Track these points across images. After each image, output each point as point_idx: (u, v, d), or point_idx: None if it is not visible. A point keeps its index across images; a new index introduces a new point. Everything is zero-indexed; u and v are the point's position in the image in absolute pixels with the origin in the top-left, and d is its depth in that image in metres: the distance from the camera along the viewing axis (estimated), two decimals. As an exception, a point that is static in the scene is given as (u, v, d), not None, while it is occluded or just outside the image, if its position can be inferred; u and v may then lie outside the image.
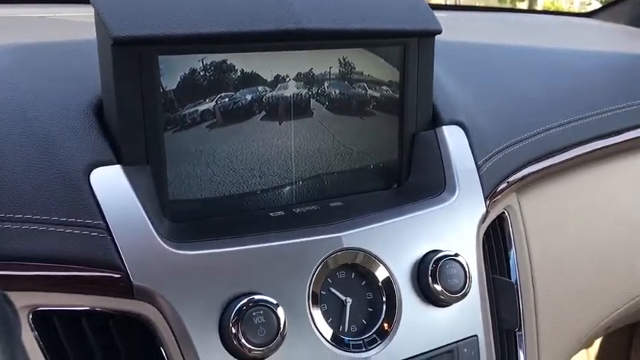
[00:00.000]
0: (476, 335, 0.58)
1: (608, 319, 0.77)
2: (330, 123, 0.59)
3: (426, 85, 0.63)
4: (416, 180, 0.64)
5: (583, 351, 1.48)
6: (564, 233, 0.74)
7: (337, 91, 0.59)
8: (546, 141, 0.71)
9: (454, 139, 0.64)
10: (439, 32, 0.61)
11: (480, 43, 0.88)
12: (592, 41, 1.04)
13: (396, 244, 0.56)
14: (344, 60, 0.59)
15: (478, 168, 0.63)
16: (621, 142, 0.78)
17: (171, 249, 0.48)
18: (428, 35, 0.62)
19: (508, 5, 12.85)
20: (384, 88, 0.61)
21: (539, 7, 12.28)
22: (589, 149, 0.74)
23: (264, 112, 0.56)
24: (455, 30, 0.94)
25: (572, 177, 0.76)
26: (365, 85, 0.61)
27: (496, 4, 12.94)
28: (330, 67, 0.58)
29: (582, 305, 0.74)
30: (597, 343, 1.49)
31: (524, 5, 12.83)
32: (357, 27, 0.58)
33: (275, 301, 0.49)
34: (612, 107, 0.80)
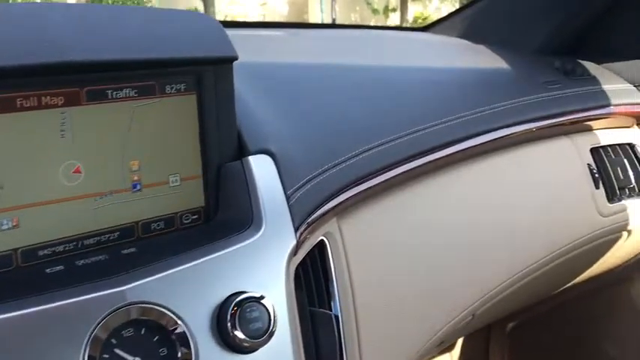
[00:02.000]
0: (288, 379, 0.55)
1: (437, 337, 0.77)
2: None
3: (228, 114, 0.60)
4: (224, 216, 0.61)
5: (446, 355, 1.52)
6: (390, 254, 0.73)
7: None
8: (364, 163, 0.70)
9: (262, 169, 0.61)
10: (234, 59, 0.58)
11: (303, 63, 0.87)
12: (423, 56, 1.06)
13: (192, 290, 0.52)
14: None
15: (288, 198, 0.61)
16: (440, 158, 0.78)
17: None
18: (222, 62, 0.58)
19: (381, 16, 13.36)
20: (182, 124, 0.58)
21: (410, 18, 12.87)
22: (407, 168, 0.73)
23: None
24: (283, 51, 0.92)
25: (396, 195, 0.75)
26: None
27: (371, 16, 13.41)
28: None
29: (409, 327, 0.73)
30: (458, 344, 1.53)
31: (396, 16, 13.38)
32: (141, 57, 0.54)
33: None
34: (434, 123, 0.80)
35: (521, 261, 0.90)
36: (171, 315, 0.50)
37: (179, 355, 0.50)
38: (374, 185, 0.71)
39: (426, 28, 1.34)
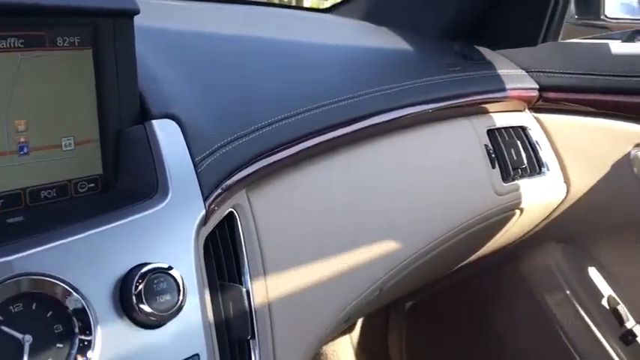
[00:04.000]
0: (197, 354, 0.51)
1: (345, 312, 0.76)
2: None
3: (128, 74, 0.55)
4: (125, 185, 0.56)
5: (346, 336, 1.54)
6: (300, 229, 0.71)
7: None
8: (275, 134, 0.68)
9: (167, 134, 0.56)
10: (134, 12, 0.54)
11: (214, 34, 0.83)
12: (329, 35, 1.05)
13: (90, 261, 0.47)
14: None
15: (196, 166, 0.57)
16: (351, 132, 0.77)
17: None
18: (121, 15, 0.53)
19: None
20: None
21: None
22: (315, 142, 0.72)
23: None
24: (192, 21, 0.87)
25: (304, 170, 0.73)
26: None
27: None
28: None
29: (319, 302, 0.72)
30: (358, 326, 1.55)
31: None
32: (28, 2, 0.48)
33: None
34: (340, 98, 0.79)
35: (424, 237, 0.92)
36: (67, 287, 0.45)
37: (76, 331, 0.45)
38: (284, 157, 0.68)
39: (328, 10, 1.33)
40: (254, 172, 0.64)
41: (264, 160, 0.66)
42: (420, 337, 1.56)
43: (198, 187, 0.56)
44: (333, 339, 0.78)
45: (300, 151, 0.71)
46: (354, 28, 1.18)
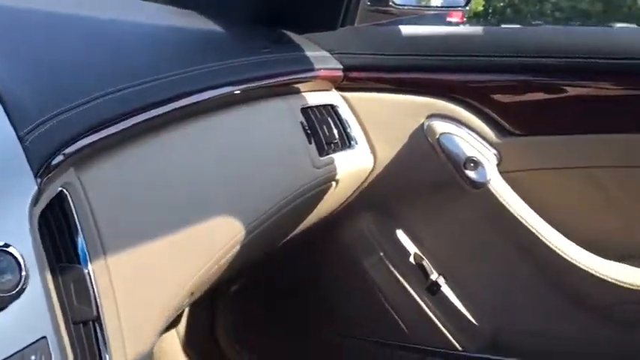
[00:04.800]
0: (45, 337, 0.48)
1: (190, 284, 0.76)
2: None
3: None
4: None
5: (172, 332, 1.51)
6: (134, 206, 0.70)
7: None
8: (100, 110, 0.65)
9: None
10: None
11: (29, 9, 0.77)
12: (143, 16, 1.04)
13: None
14: None
15: (21, 140, 0.53)
16: (173, 110, 0.77)
17: None
18: None
19: None
20: None
21: None
22: (142, 119, 0.71)
23: None
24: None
25: (133, 147, 0.72)
26: None
27: None
28: None
29: (162, 276, 0.71)
30: (183, 320, 1.54)
31: None
32: None
33: None
34: (161, 76, 0.79)
35: (254, 211, 0.95)
36: None
37: None
38: (110, 134, 0.66)
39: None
40: (79, 149, 0.61)
41: (89, 137, 0.63)
42: (249, 321, 1.59)
43: (27, 162, 0.52)
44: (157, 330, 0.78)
45: (126, 128, 0.69)
46: (163, 10, 1.16)
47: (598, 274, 1.16)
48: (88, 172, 0.64)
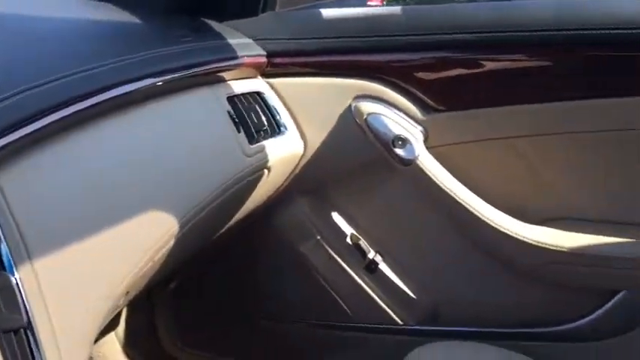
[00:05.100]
0: (-27, 348, 0.46)
1: (125, 284, 0.75)
2: None
3: None
4: None
5: (111, 334, 1.48)
6: (60, 205, 0.67)
7: None
8: (15, 108, 0.62)
9: None
10: None
11: None
12: (53, 9, 0.99)
13: None
14: None
15: None
16: (91, 105, 0.75)
17: None
18: None
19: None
20: None
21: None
22: (60, 116, 0.68)
23: None
24: None
25: (52, 146, 0.69)
26: None
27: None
28: None
29: (94, 277, 0.69)
30: (122, 322, 1.50)
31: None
32: None
33: None
34: (75, 71, 0.76)
35: (186, 204, 0.93)
36: None
37: None
38: (28, 134, 0.63)
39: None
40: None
41: (4, 137, 0.60)
42: (190, 316, 1.57)
43: None
44: (96, 340, 0.75)
45: (44, 126, 0.66)
46: (79, 3, 1.12)
47: (523, 239, 1.21)
48: (6, 174, 0.61)
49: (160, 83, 0.93)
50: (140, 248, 0.79)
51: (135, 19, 1.07)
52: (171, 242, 0.88)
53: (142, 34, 1.04)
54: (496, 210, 1.24)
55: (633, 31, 1.09)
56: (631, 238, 1.18)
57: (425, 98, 1.23)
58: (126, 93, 0.84)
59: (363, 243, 1.35)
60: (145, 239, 0.81)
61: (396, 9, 1.25)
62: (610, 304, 1.23)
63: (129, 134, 0.86)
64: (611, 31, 1.10)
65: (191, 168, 0.97)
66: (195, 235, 1.02)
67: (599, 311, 1.24)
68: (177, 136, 0.96)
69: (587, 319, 1.25)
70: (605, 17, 1.12)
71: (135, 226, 0.79)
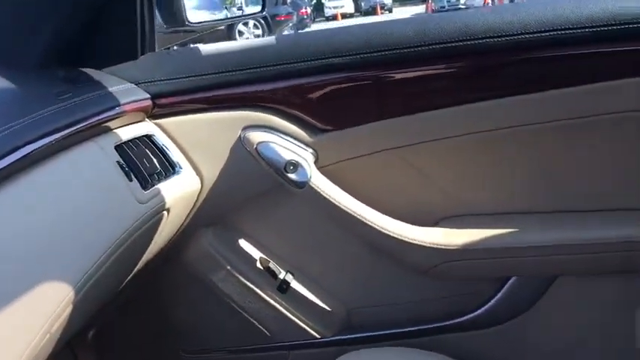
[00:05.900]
0: None
1: (26, 355, 0.75)
2: None
3: None
4: None
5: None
6: None
7: None
8: None
9: None
10: None
11: None
12: None
13: None
14: None
15: None
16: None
17: None
18: None
19: None
20: None
21: None
22: None
23: None
24: None
25: None
26: None
27: None
28: None
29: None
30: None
31: None
32: None
33: None
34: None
35: (85, 261, 0.94)
36: None
37: None
38: None
39: None
40: None
41: None
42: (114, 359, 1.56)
43: None
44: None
45: None
46: None
47: (418, 242, 1.29)
48: None
49: (40, 148, 0.93)
50: (34, 323, 0.80)
51: (5, 81, 1.05)
52: (69, 309, 0.89)
53: (15, 97, 1.02)
54: (389, 218, 1.31)
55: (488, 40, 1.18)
56: (514, 228, 1.28)
57: (311, 120, 1.28)
58: (9, 164, 0.84)
59: (273, 265, 1.39)
60: (39, 312, 0.81)
61: (271, 40, 1.29)
62: (503, 290, 1.33)
63: (13, 204, 0.86)
64: (470, 42, 1.19)
65: (83, 228, 0.97)
66: (99, 290, 1.02)
67: (496, 298, 1.34)
68: (64, 198, 0.96)
69: (486, 306, 1.35)
70: (461, 30, 1.20)
71: (27, 301, 0.79)
